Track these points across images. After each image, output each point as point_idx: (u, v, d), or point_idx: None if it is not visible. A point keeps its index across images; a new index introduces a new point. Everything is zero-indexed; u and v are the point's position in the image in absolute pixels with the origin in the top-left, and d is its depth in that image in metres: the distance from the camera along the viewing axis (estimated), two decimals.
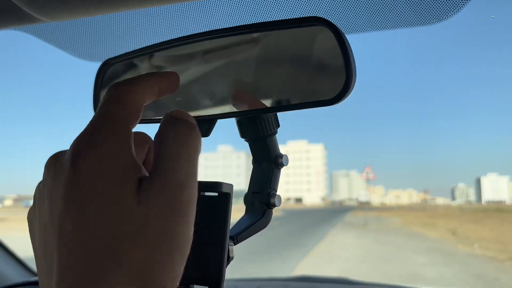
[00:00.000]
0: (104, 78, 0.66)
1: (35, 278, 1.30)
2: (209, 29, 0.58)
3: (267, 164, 0.61)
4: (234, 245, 0.55)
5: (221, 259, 0.52)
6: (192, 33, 0.58)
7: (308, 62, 0.55)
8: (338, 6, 0.68)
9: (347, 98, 0.51)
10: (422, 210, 63.23)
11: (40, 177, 0.39)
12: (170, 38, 0.60)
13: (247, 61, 0.59)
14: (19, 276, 1.60)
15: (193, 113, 0.60)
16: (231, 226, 0.56)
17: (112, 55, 0.66)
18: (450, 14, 0.67)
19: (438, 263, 12.62)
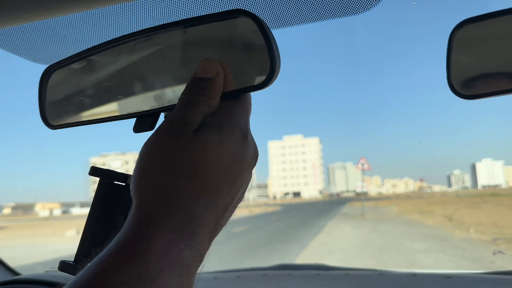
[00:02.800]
0: (48, 84, 0.69)
1: (15, 277, 1.33)
2: (146, 27, 0.61)
3: None
4: None
5: None
6: (132, 31, 0.61)
7: (235, 53, 0.59)
8: (262, 2, 0.71)
9: (274, 82, 0.56)
10: (419, 198, 63.46)
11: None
12: (106, 40, 0.63)
13: (180, 56, 0.62)
14: (0, 276, 1.63)
15: (136, 109, 0.63)
16: None
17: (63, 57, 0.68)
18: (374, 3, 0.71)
19: (435, 249, 12.70)
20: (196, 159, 0.50)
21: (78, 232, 26.17)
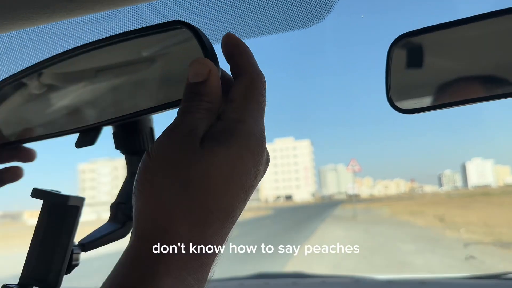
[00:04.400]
0: None
1: None
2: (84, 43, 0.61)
3: None
4: (84, 252, 0.59)
5: (61, 265, 0.56)
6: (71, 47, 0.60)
7: (175, 63, 0.57)
8: (213, 16, 0.71)
9: None
10: (410, 199, 63.83)
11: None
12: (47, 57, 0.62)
13: (120, 69, 0.61)
14: None
15: (77, 124, 0.63)
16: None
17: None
18: (321, 17, 0.71)
19: (426, 250, 12.78)
20: (205, 175, 0.43)
21: None
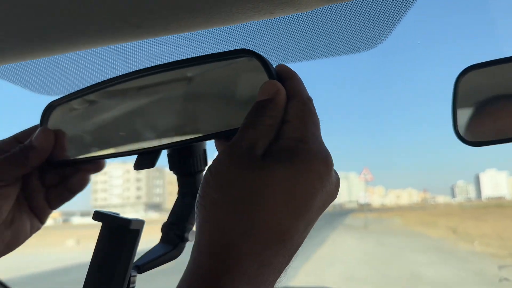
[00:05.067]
0: (48, 120, 0.69)
1: None
2: (149, 66, 0.61)
3: (190, 198, 0.64)
4: (139, 274, 0.59)
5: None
6: (134, 69, 0.61)
7: (239, 90, 0.58)
8: (271, 41, 0.72)
9: None
10: (422, 209, 63.24)
11: None
12: (112, 76, 0.63)
13: (183, 94, 0.62)
14: None
15: (136, 146, 0.63)
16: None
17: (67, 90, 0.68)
18: (377, 41, 0.71)
19: (438, 262, 12.62)
20: (266, 193, 0.44)
21: (78, 242, 26.12)
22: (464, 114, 0.67)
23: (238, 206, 0.44)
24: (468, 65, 0.65)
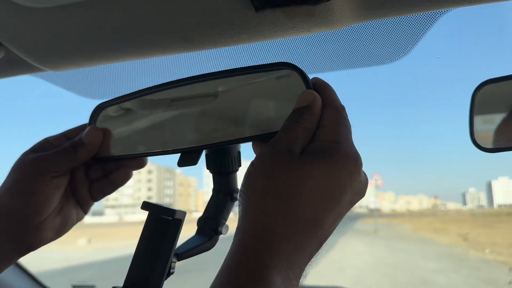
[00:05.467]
0: (97, 120, 0.75)
1: None
2: (192, 75, 0.68)
3: (224, 195, 0.70)
4: (178, 261, 0.65)
5: (162, 273, 0.62)
6: (180, 77, 0.68)
7: (278, 99, 0.64)
8: (299, 52, 0.78)
9: None
10: (432, 216, 62.66)
11: None
12: (159, 83, 0.69)
13: (225, 100, 0.68)
14: None
15: (179, 145, 0.70)
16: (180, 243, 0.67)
17: (110, 94, 0.75)
18: (401, 55, 0.77)
19: (449, 269, 12.55)
20: (302, 184, 0.50)
21: (89, 241, 26.32)
22: (480, 123, 0.73)
23: (278, 195, 0.50)
24: (485, 79, 0.71)
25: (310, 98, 0.56)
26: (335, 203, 0.52)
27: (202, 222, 0.70)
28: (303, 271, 0.52)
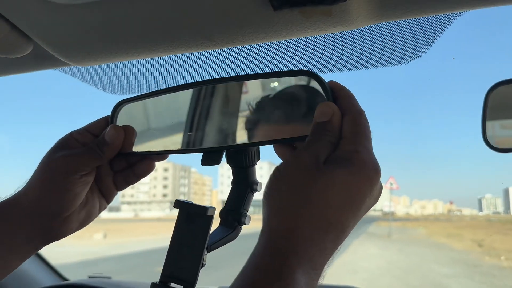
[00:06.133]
0: (117, 116, 0.78)
1: (69, 282, 1.43)
2: (214, 76, 0.71)
3: (244, 188, 0.73)
4: (207, 253, 0.68)
5: (197, 265, 0.65)
6: (199, 79, 0.70)
7: (295, 104, 0.67)
8: (317, 52, 0.80)
9: None
10: (447, 221, 61.95)
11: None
12: (181, 83, 0.72)
13: (246, 103, 0.71)
14: (50, 280, 1.74)
15: (202, 145, 0.73)
16: None
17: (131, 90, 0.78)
18: (416, 55, 0.79)
19: (463, 274, 12.41)
20: (326, 191, 0.53)
21: (105, 236, 26.58)
22: (493, 124, 0.74)
23: (303, 199, 0.54)
24: (497, 81, 0.72)
25: (330, 112, 0.59)
26: (356, 208, 0.55)
27: (224, 213, 0.73)
28: (323, 271, 0.55)
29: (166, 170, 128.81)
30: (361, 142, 0.57)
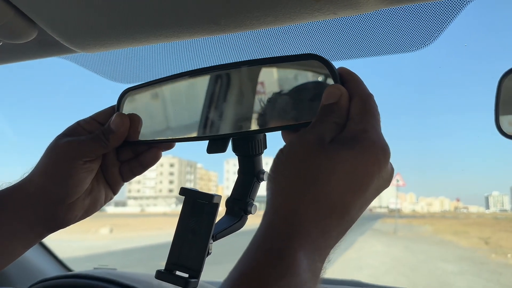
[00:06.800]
0: (124, 104, 0.78)
1: (73, 272, 1.43)
2: (219, 63, 0.70)
3: (250, 177, 0.72)
4: (213, 242, 0.67)
5: (203, 253, 0.64)
6: (206, 65, 0.69)
7: (303, 90, 0.66)
8: (327, 38, 0.79)
9: None
10: (454, 218, 61.75)
11: None
12: (188, 69, 0.71)
13: (252, 90, 0.69)
14: (55, 271, 1.75)
15: (208, 133, 0.72)
16: None
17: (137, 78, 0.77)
18: (428, 42, 0.77)
19: (469, 272, 12.37)
20: (330, 171, 0.52)
21: (111, 231, 26.74)
22: (506, 111, 0.73)
23: (307, 180, 0.52)
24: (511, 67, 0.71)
25: (337, 93, 0.57)
26: (362, 190, 0.53)
27: (230, 203, 0.72)
28: (327, 255, 0.53)
29: (172, 165, 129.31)
30: (368, 121, 0.56)
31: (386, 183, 0.56)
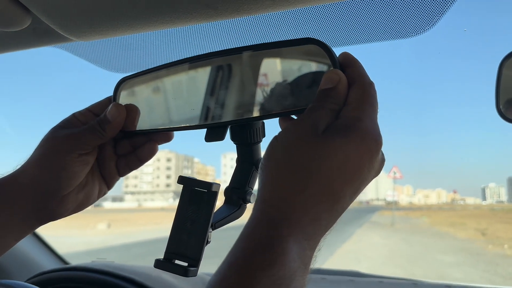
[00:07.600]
0: (121, 94, 0.76)
1: (71, 265, 1.43)
2: (216, 49, 0.68)
3: (248, 165, 0.71)
4: (212, 231, 0.66)
5: (202, 242, 0.63)
6: (203, 52, 0.68)
7: (302, 75, 0.64)
8: (323, 23, 0.78)
9: None
10: (451, 210, 62.05)
11: None
12: (184, 57, 0.70)
13: (251, 76, 0.68)
14: (51, 264, 1.74)
15: (206, 121, 0.71)
16: None
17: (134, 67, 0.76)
18: (425, 28, 0.76)
19: (466, 263, 12.44)
20: (322, 159, 0.51)
21: (109, 226, 26.74)
22: (507, 94, 0.72)
23: (297, 167, 0.52)
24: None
25: (336, 78, 0.56)
26: (353, 179, 0.53)
27: (229, 192, 0.72)
28: (318, 243, 0.53)
29: (169, 160, 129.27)
30: (364, 109, 0.55)
31: (376, 173, 0.56)
